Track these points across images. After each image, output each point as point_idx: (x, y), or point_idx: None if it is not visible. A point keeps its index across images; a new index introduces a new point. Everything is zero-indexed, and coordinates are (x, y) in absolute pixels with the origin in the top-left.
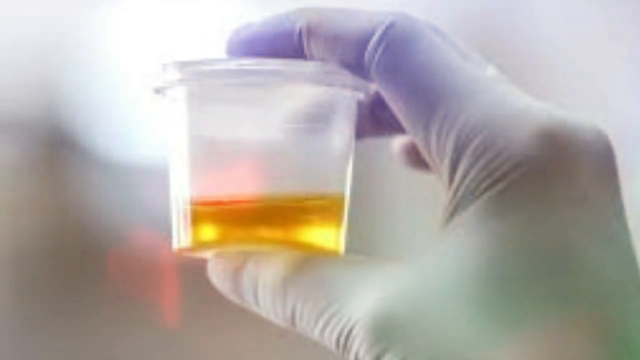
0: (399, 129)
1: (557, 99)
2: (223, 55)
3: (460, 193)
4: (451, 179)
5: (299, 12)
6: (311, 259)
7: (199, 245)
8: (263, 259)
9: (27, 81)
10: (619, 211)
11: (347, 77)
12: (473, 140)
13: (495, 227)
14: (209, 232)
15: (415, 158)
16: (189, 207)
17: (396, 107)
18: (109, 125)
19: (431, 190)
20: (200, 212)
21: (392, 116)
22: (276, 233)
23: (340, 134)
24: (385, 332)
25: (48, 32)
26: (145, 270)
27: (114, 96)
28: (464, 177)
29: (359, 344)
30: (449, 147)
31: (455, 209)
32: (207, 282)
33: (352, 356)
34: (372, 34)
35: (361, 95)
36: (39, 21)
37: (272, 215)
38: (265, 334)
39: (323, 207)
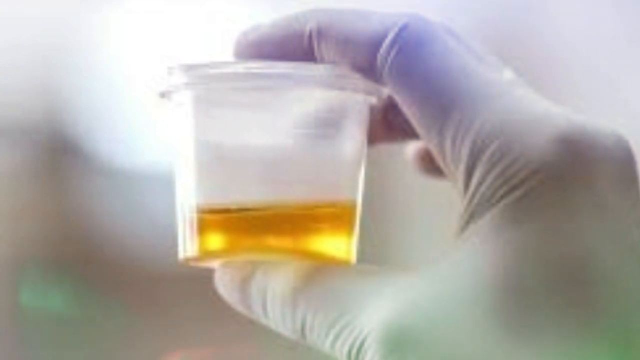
0: (412, 135)
1: (575, 103)
2: (230, 58)
3: (475, 200)
4: (466, 186)
5: (309, 13)
6: (322, 268)
7: (206, 254)
8: (272, 269)
9: (27, 84)
10: (639, 219)
11: (359, 80)
12: (489, 146)
13: (512, 235)
14: (215, 240)
15: (430, 164)
16: (195, 215)
17: (409, 112)
18: (112, 131)
19: (446, 197)
20: (207, 220)
21: (406, 121)
22: (285, 242)
23: (352, 139)
24: (399, 344)
25: (49, 33)
26: (150, 281)
27: (118, 100)
28: (480, 184)
29: (371, 356)
30: (464, 153)
31: (470, 217)
32: (214, 293)
33: None
34: (385, 36)
35: (373, 100)
36: (40, 22)
37: (281, 223)
38: (274, 346)
39: (334, 215)
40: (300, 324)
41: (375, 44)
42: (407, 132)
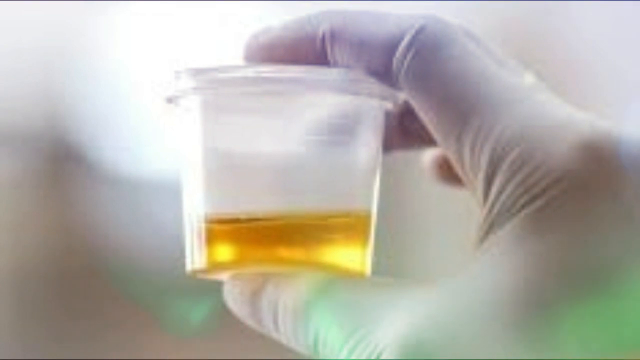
0: (429, 141)
1: (600, 108)
2: (240, 62)
3: (495, 210)
4: (486, 195)
5: (322, 15)
6: (335, 281)
7: (215, 266)
8: (283, 281)
9: (29, 89)
10: None
11: (374, 85)
12: (509, 154)
13: (533, 246)
14: (225, 252)
15: (448, 172)
16: (203, 225)
17: (427, 118)
18: (117, 138)
19: (464, 207)
20: (216, 231)
21: (422, 127)
22: (297, 253)
23: (367, 146)
24: (416, 359)
25: (52, 37)
26: (156, 294)
27: (123, 106)
28: (500, 193)
29: None
30: (484, 160)
31: (490, 228)
32: (223, 306)
33: None
34: (401, 38)
35: (389, 105)
36: (43, 26)
37: (293, 233)
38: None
39: (348, 225)
40: (312, 338)
41: (390, 46)
42: (424, 139)
